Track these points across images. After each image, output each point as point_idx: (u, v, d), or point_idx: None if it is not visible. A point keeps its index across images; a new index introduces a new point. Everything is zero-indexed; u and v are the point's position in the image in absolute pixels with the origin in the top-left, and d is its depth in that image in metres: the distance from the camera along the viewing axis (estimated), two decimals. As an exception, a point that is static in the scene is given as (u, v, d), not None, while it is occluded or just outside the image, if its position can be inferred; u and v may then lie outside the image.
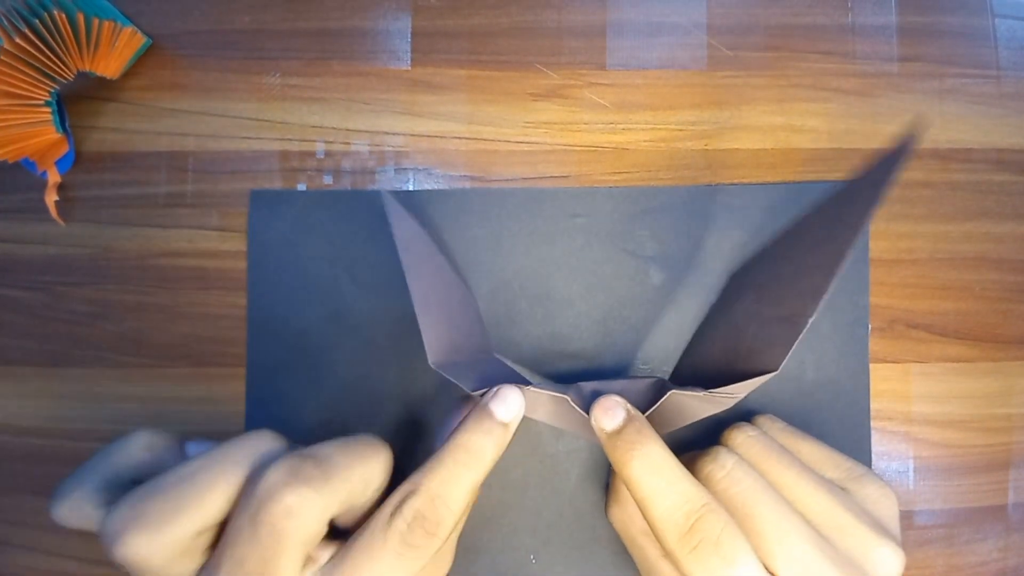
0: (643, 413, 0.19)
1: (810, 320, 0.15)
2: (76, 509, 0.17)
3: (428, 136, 0.27)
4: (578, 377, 0.26)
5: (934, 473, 0.27)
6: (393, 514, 0.16)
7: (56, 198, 0.27)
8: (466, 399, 0.23)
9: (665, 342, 0.27)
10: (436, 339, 0.18)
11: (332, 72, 0.28)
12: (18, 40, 0.23)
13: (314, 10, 0.28)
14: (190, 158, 0.27)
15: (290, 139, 0.27)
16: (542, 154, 0.27)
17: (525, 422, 0.19)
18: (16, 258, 0.27)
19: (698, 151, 0.27)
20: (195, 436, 0.20)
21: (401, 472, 0.19)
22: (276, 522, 0.15)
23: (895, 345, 0.27)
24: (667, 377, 0.25)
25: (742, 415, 0.25)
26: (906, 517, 0.27)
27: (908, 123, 0.17)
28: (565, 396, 0.19)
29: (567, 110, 0.28)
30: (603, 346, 0.27)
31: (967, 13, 0.28)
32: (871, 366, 0.27)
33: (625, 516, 0.22)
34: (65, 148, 0.27)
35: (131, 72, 0.28)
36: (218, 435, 0.26)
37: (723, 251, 0.27)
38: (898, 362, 0.27)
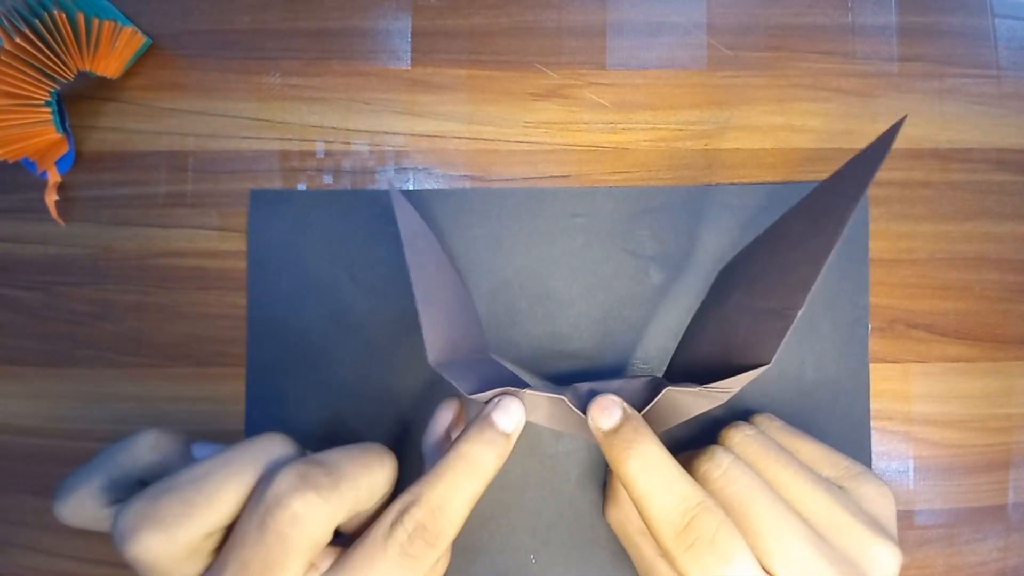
0: (640, 412, 0.19)
1: (800, 312, 0.15)
2: (80, 507, 0.17)
3: (428, 136, 0.27)
4: (578, 377, 0.26)
5: (934, 473, 0.27)
6: (393, 524, 0.16)
7: (56, 198, 0.27)
8: (449, 401, 0.23)
9: (665, 341, 0.27)
10: (436, 337, 0.18)
11: (332, 72, 0.28)
12: (18, 40, 0.23)
13: (314, 10, 0.28)
14: (190, 158, 0.27)
15: (290, 139, 0.27)
16: (542, 154, 0.27)
17: (525, 424, 0.19)
18: (16, 258, 0.27)
19: (698, 151, 0.27)
20: (198, 437, 0.20)
21: (400, 473, 0.19)
22: (283, 528, 0.15)
23: (895, 345, 0.27)
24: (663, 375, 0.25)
25: (740, 414, 0.25)
26: (906, 517, 0.27)
27: (893, 122, 0.17)
28: (562, 397, 0.19)
29: (567, 110, 0.28)
30: (603, 346, 0.27)
31: (967, 13, 0.28)
32: (871, 366, 0.27)
33: (622, 515, 0.22)
34: (65, 148, 0.27)
35: (131, 72, 0.28)
36: (218, 435, 0.27)
37: (723, 251, 0.27)
38: (898, 362, 0.27)
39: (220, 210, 0.27)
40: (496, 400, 0.19)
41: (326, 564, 0.16)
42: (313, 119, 0.27)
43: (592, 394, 0.19)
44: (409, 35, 0.28)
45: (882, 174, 0.27)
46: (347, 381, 0.26)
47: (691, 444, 0.23)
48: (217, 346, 0.27)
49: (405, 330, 0.27)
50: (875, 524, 0.19)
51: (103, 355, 0.27)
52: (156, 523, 0.15)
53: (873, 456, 0.27)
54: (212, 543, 0.16)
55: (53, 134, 0.26)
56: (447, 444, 0.21)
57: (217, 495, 0.16)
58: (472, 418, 0.19)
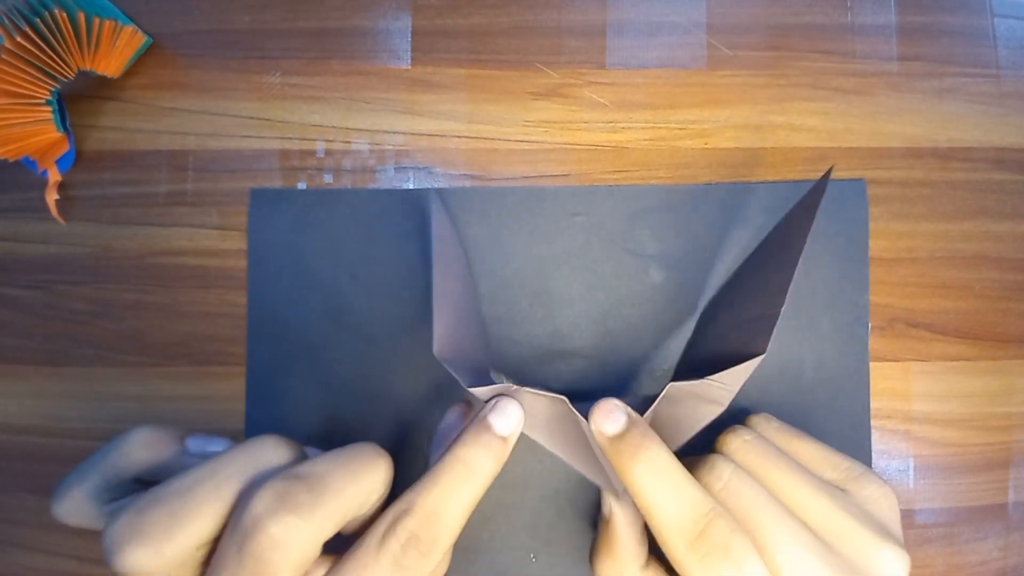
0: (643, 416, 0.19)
1: (782, 309, 0.17)
2: (76, 508, 0.17)
3: (428, 135, 0.27)
4: (577, 376, 0.26)
5: (934, 472, 0.27)
6: (386, 534, 0.16)
7: (56, 197, 0.27)
8: (460, 406, 0.23)
9: (665, 340, 0.27)
10: (444, 335, 0.18)
11: (332, 71, 0.28)
12: (19, 39, 0.23)
13: (314, 9, 0.28)
14: (190, 157, 0.27)
15: (290, 138, 0.27)
16: (542, 153, 0.27)
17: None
18: (16, 257, 0.27)
19: (698, 150, 0.27)
20: (196, 431, 0.20)
21: (398, 474, 0.19)
22: (262, 554, 0.14)
23: (895, 344, 0.27)
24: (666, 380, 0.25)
25: (737, 413, 0.25)
26: (906, 516, 0.27)
27: (825, 170, 0.21)
28: (562, 398, 0.19)
29: (567, 109, 0.28)
30: (603, 345, 0.27)
31: (967, 13, 0.28)
32: (871, 365, 0.27)
33: (617, 568, 0.20)
34: (66, 147, 0.27)
35: (132, 71, 0.28)
36: (218, 434, 0.26)
37: (723, 250, 0.27)
38: (898, 361, 0.27)
39: (220, 209, 0.27)
40: (493, 402, 0.18)
41: (320, 572, 0.16)
42: (313, 118, 0.27)
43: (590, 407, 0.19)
44: (409, 34, 0.28)
45: (882, 173, 0.27)
46: (347, 380, 0.26)
47: (689, 447, 0.23)
48: (217, 345, 0.27)
49: (405, 329, 0.27)
50: (880, 528, 0.19)
51: (103, 354, 0.27)
52: (143, 537, 0.15)
53: (873, 455, 0.27)
54: (203, 554, 0.16)
55: (54, 133, 0.26)
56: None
57: (203, 508, 0.15)
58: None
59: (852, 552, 0.18)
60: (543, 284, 0.27)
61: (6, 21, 0.23)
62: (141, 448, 0.18)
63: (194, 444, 0.19)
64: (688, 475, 0.17)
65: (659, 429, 0.19)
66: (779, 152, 0.28)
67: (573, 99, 0.28)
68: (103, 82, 0.27)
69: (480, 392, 0.19)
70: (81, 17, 0.24)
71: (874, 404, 0.27)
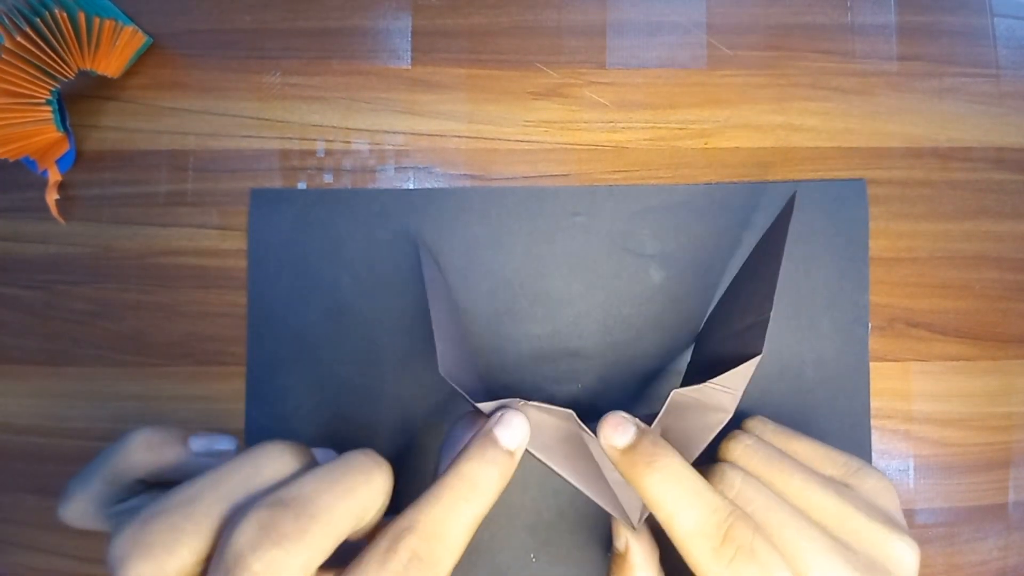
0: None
1: (770, 314, 0.18)
2: (82, 512, 0.17)
3: (428, 135, 0.27)
4: (578, 376, 0.26)
5: (934, 472, 0.27)
6: (387, 552, 0.15)
7: (57, 197, 0.27)
8: (468, 417, 0.22)
9: (665, 340, 0.27)
10: (448, 356, 0.18)
11: (332, 71, 0.28)
12: (19, 39, 0.23)
13: (314, 9, 0.28)
14: (191, 157, 0.27)
15: (290, 138, 0.27)
16: (542, 153, 0.27)
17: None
18: (16, 257, 0.27)
19: (698, 150, 0.27)
20: (197, 431, 0.20)
21: (400, 474, 0.19)
22: None
23: (895, 343, 0.27)
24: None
25: (737, 416, 0.25)
26: (907, 516, 0.27)
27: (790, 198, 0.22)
28: (570, 411, 0.18)
29: (567, 109, 0.28)
30: (603, 344, 0.27)
31: (967, 13, 0.28)
32: (871, 364, 0.27)
33: None
34: (66, 147, 0.27)
35: (132, 71, 0.28)
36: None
37: (723, 249, 0.27)
38: (898, 360, 0.27)
39: (220, 209, 0.27)
40: (499, 414, 0.18)
41: None
42: (313, 118, 0.27)
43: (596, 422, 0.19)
44: (409, 34, 0.28)
45: (882, 173, 0.27)
46: (347, 380, 0.26)
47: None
48: (217, 345, 0.27)
49: (405, 328, 0.27)
50: (888, 519, 0.19)
51: (103, 354, 0.27)
52: (146, 551, 0.14)
53: (873, 455, 0.27)
54: (203, 570, 0.15)
55: (54, 133, 0.26)
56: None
57: (204, 523, 0.15)
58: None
59: (869, 548, 0.18)
60: (543, 284, 0.27)
61: (6, 21, 0.23)
62: (142, 450, 0.18)
63: (198, 444, 0.19)
64: (704, 480, 0.17)
65: (670, 442, 0.19)
66: (779, 152, 0.28)
67: (573, 99, 0.28)
68: (103, 82, 0.27)
69: (485, 407, 0.18)
70: (81, 17, 0.24)
71: (874, 404, 0.27)
